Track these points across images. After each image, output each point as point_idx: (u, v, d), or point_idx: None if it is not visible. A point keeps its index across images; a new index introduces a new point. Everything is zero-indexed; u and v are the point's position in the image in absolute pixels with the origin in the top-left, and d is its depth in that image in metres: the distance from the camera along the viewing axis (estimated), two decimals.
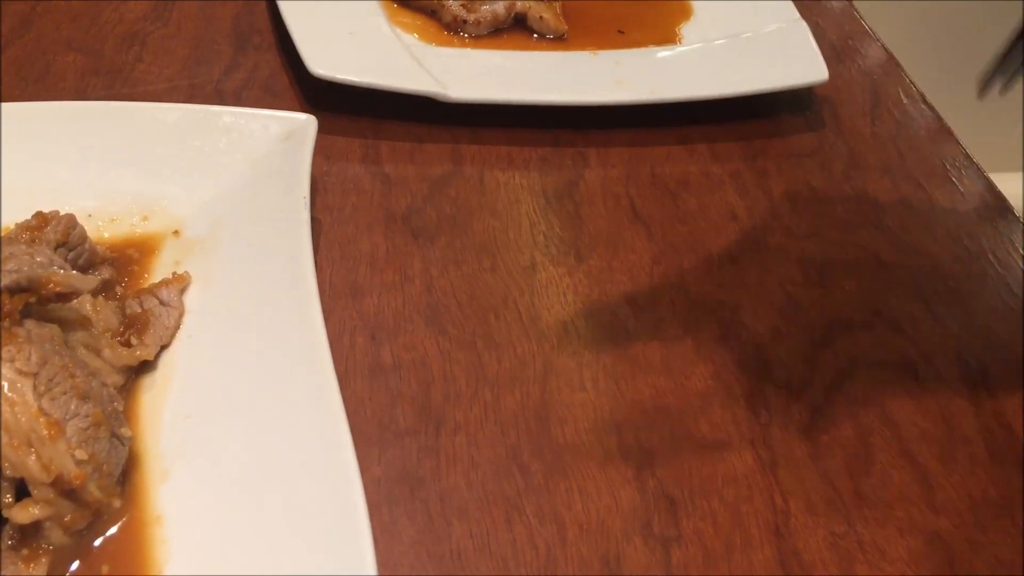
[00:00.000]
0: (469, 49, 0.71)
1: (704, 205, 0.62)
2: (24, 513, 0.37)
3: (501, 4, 0.72)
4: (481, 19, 0.71)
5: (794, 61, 0.71)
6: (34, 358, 0.38)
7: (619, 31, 0.75)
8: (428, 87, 0.62)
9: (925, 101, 0.76)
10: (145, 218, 0.51)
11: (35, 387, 0.38)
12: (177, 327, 0.46)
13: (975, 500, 0.46)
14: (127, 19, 0.70)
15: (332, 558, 0.36)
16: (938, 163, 0.70)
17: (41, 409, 0.37)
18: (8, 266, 0.40)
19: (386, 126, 0.64)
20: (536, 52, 0.72)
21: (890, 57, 0.81)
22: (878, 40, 0.83)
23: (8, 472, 0.37)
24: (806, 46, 0.72)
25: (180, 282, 0.47)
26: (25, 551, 0.37)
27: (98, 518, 0.39)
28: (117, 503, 0.39)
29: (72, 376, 0.39)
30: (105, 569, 0.38)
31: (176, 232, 0.51)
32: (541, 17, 0.73)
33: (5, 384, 0.37)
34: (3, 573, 0.37)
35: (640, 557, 0.42)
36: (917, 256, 0.61)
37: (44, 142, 0.52)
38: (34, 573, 0.37)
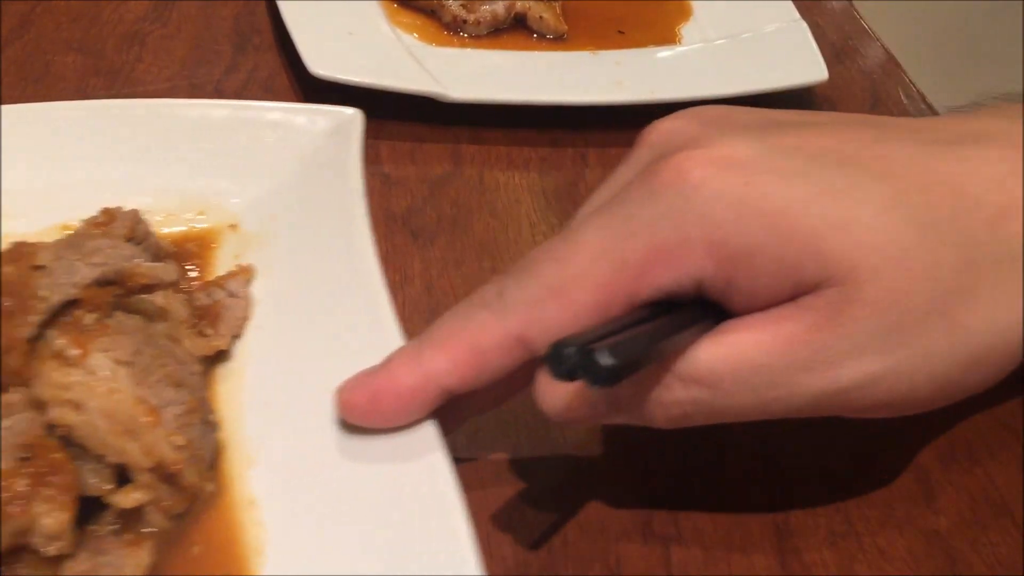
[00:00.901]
0: (469, 49, 0.71)
1: None
2: (128, 498, 0.37)
3: (501, 4, 0.72)
4: (481, 19, 0.71)
5: (794, 61, 0.71)
6: (129, 348, 0.39)
7: (619, 31, 0.75)
8: (428, 87, 0.63)
9: (925, 101, 0.76)
10: (201, 213, 0.51)
11: (132, 376, 0.38)
12: (247, 317, 0.46)
13: (975, 499, 0.46)
14: (127, 19, 0.70)
15: (428, 534, 0.36)
16: None
17: (140, 397, 0.38)
18: (95, 259, 0.41)
19: (386, 126, 0.64)
20: (536, 52, 0.72)
21: (890, 57, 0.81)
22: (878, 40, 0.83)
23: (110, 459, 0.37)
24: (806, 46, 0.72)
25: (246, 274, 0.47)
26: (127, 536, 0.38)
27: (194, 502, 0.39)
28: (211, 487, 0.39)
29: (164, 365, 0.39)
30: (196, 551, 0.38)
31: (233, 226, 0.51)
32: (541, 17, 0.73)
33: (106, 374, 0.38)
34: (109, 558, 0.37)
35: (640, 557, 0.42)
36: None
37: (94, 140, 0.52)
38: (140, 557, 0.37)
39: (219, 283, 0.47)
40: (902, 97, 0.76)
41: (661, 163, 0.36)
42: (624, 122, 0.67)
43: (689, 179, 0.35)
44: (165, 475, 0.38)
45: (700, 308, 0.37)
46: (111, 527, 0.38)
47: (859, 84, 0.77)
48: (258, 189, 0.52)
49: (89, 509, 0.38)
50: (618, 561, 0.42)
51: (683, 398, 0.35)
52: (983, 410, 0.50)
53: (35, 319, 0.38)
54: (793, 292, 0.34)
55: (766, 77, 0.69)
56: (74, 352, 0.38)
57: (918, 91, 0.77)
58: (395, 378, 0.37)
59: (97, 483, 0.38)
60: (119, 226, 0.45)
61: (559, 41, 0.74)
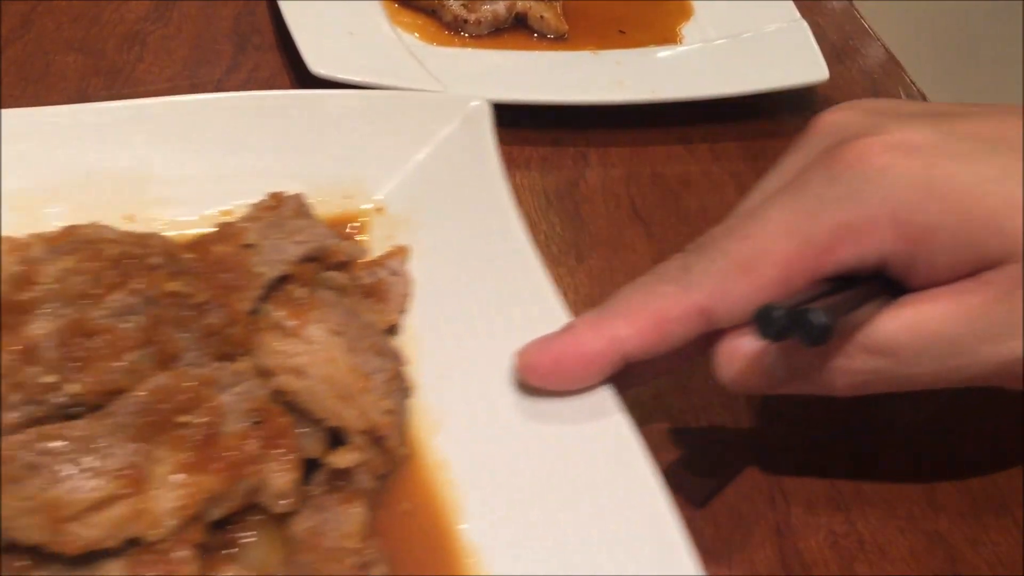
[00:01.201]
0: (470, 49, 0.71)
1: (705, 205, 0.62)
2: (344, 459, 0.39)
3: (502, 4, 0.72)
4: (482, 19, 0.71)
5: (794, 61, 0.71)
6: (337, 319, 0.41)
7: (620, 31, 0.75)
8: (429, 87, 0.63)
9: (926, 100, 0.76)
10: (347, 197, 0.53)
11: (344, 345, 0.41)
12: (409, 294, 0.48)
13: (976, 499, 0.46)
14: (127, 19, 0.70)
15: (617, 487, 0.39)
16: None
17: (353, 365, 0.40)
18: (298, 238, 0.44)
19: None
20: (537, 52, 0.72)
21: (891, 57, 0.81)
22: (879, 40, 0.83)
23: (328, 422, 0.39)
24: (806, 46, 0.72)
25: (402, 253, 0.49)
26: (339, 495, 0.40)
27: (395, 464, 0.41)
28: (406, 450, 0.42)
29: (368, 335, 0.42)
30: (403, 508, 0.41)
31: (379, 210, 0.53)
32: (542, 17, 0.73)
33: (322, 343, 0.40)
34: (329, 514, 0.39)
35: None
36: None
37: (243, 130, 0.54)
38: (357, 514, 0.39)
39: (379, 262, 0.49)
40: (903, 97, 0.76)
41: (842, 149, 0.38)
42: (625, 122, 0.68)
43: (873, 163, 0.37)
44: (375, 438, 0.40)
45: (877, 284, 0.39)
46: (322, 487, 0.40)
47: (860, 84, 0.77)
48: (399, 174, 0.54)
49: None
50: None
51: (866, 367, 0.37)
52: (983, 411, 0.50)
53: (254, 293, 0.41)
54: (973, 267, 0.36)
55: (767, 77, 0.69)
56: (292, 323, 0.41)
57: (919, 91, 0.77)
58: (579, 342, 0.39)
59: (312, 446, 0.40)
60: (287, 209, 0.47)
61: (560, 41, 0.74)
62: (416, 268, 0.49)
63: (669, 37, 0.76)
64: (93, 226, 0.43)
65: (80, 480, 0.35)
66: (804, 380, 0.39)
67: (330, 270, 0.45)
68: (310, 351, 0.40)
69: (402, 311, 0.47)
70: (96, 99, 0.62)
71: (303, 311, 0.41)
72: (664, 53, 0.73)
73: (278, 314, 0.41)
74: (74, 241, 0.42)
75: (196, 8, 0.72)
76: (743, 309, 0.37)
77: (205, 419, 0.37)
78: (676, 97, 0.66)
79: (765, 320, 0.34)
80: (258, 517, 0.38)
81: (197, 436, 0.37)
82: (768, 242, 0.38)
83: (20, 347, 0.38)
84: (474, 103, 0.55)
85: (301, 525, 0.38)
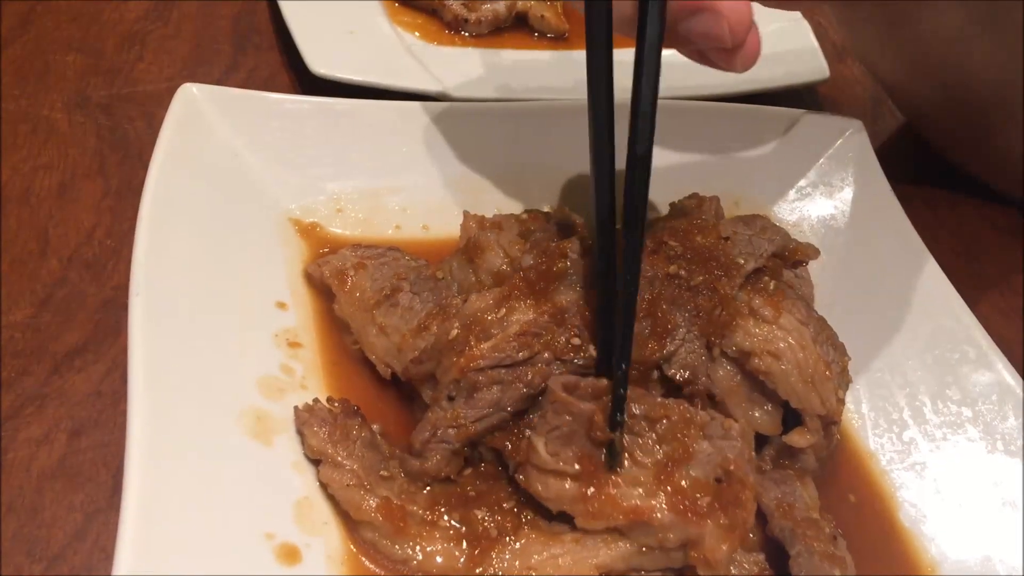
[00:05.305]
0: (470, 48, 0.71)
1: None
2: (802, 439, 0.43)
3: (502, 3, 0.72)
4: (482, 18, 0.71)
5: (796, 60, 0.71)
6: (804, 311, 0.44)
7: None
8: (429, 86, 0.62)
9: None
10: (735, 203, 0.58)
11: (811, 335, 0.44)
12: (812, 295, 0.52)
13: None
14: (127, 19, 0.70)
15: None
16: (938, 161, 0.70)
17: (819, 354, 0.43)
18: (767, 235, 0.47)
19: None
20: (537, 51, 0.72)
21: None
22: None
23: (793, 403, 0.43)
24: (807, 45, 0.72)
25: (810, 255, 0.51)
26: (790, 472, 0.43)
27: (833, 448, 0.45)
28: (839, 437, 0.46)
29: (824, 329, 0.45)
30: (852, 499, 0.45)
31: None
32: (542, 16, 0.73)
33: (795, 332, 0.43)
34: (788, 488, 0.43)
35: None
36: None
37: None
38: (811, 490, 0.43)
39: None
40: None
41: None
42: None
43: None
44: (827, 423, 0.44)
45: None
46: (767, 463, 0.44)
47: (860, 83, 0.77)
48: (783, 185, 0.59)
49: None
50: None
51: None
52: None
53: (738, 281, 0.44)
54: None
55: (768, 76, 0.69)
56: (768, 312, 0.44)
57: None
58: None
59: (771, 424, 0.44)
60: (707, 208, 0.51)
61: (560, 40, 0.73)
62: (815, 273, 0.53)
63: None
64: (562, 211, 0.49)
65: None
66: None
67: (789, 268, 0.49)
68: (786, 338, 0.43)
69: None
70: (96, 98, 0.62)
71: (777, 301, 0.44)
72: (665, 52, 0.73)
73: (756, 302, 0.44)
74: (551, 223, 0.47)
75: (196, 8, 0.72)
76: None
77: (672, 450, 0.39)
78: (677, 96, 0.66)
79: None
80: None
81: (663, 459, 0.39)
82: None
83: (552, 311, 0.41)
84: (850, 120, 0.61)
85: (769, 495, 0.41)
